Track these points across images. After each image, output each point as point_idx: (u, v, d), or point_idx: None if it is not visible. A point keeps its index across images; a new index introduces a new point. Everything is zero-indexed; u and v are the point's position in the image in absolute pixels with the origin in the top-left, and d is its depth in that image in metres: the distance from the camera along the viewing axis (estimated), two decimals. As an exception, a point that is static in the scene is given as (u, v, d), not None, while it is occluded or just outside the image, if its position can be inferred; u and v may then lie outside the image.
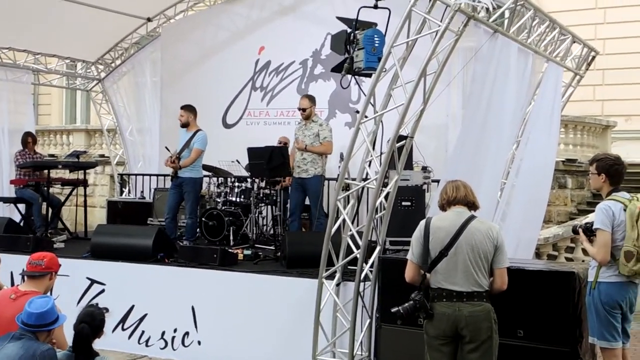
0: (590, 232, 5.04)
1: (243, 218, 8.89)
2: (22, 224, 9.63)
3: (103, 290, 7.31)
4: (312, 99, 8.47)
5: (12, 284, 6.90)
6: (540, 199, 7.93)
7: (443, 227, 4.39)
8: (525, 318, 5.00)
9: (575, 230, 5.36)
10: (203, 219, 8.77)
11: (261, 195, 8.94)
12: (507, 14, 6.58)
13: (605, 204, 4.89)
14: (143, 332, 7.07)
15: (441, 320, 4.33)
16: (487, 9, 5.93)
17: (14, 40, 10.58)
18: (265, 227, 9.52)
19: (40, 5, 9.62)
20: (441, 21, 5.34)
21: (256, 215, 8.97)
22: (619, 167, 5.03)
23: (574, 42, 8.12)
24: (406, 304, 4.39)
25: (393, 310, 4.44)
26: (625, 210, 4.80)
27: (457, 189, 4.52)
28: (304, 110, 8.38)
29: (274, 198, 8.85)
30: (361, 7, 5.70)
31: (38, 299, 3.88)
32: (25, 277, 4.61)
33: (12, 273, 7.16)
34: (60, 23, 10.29)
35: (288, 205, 9.24)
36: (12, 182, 10.08)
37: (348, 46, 5.82)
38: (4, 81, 10.99)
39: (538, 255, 9.16)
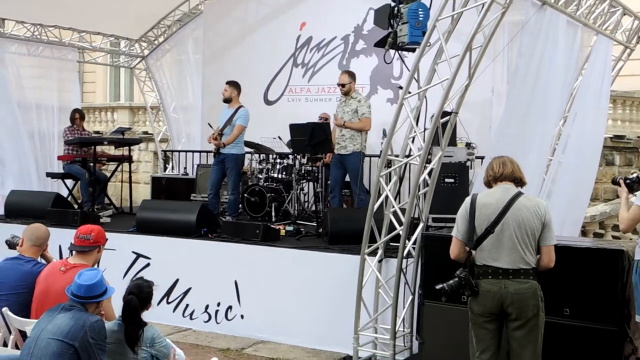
0: (630, 187, 4.92)
1: (285, 194, 8.92)
2: (69, 198, 9.83)
3: (148, 264, 7.45)
4: (351, 75, 8.39)
5: (61, 257, 7.06)
6: (587, 176, 7.76)
7: (489, 204, 4.33)
8: (572, 296, 4.92)
9: (615, 182, 5.20)
10: (245, 195, 8.84)
11: (303, 171, 8.96)
12: (555, -14, 6.40)
13: None
14: (187, 305, 7.19)
15: (486, 297, 4.29)
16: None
17: (59, 18, 10.72)
18: (306, 204, 9.55)
19: (85, -17, 9.74)
20: (488, -7, 5.23)
21: (298, 191, 8.99)
22: None
23: (625, 14, 7.86)
24: (451, 281, 4.35)
25: (437, 287, 4.39)
26: None
27: (504, 165, 4.44)
28: (342, 85, 8.31)
29: (316, 174, 8.86)
30: (405, -19, 5.61)
31: (87, 272, 3.95)
32: (74, 251, 4.70)
33: (60, 246, 7.31)
34: (104, 1, 10.38)
35: (329, 182, 9.23)
36: (59, 157, 10.28)
37: (391, 20, 5.74)
38: (51, 59, 11.18)
39: (584, 233, 9.00)
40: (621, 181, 4.99)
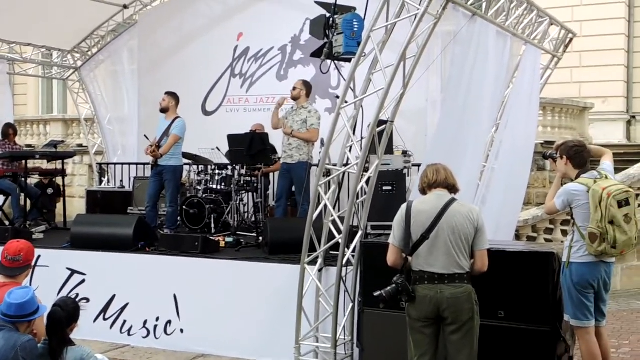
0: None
1: (224, 205, 8.85)
2: (0, 215, 9.53)
3: (84, 281, 7.25)
4: (305, 83, 8.46)
5: (-9, 276, 6.82)
6: (520, 181, 8.00)
7: (424, 211, 4.41)
8: (506, 299, 5.04)
9: (547, 156, 5.50)
10: (184, 207, 8.72)
11: (242, 182, 8.91)
12: (485, -3, 6.59)
13: (570, 186, 4.97)
14: (125, 321, 7.03)
15: (423, 303, 4.37)
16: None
17: (-13, 29, 10.43)
18: (246, 215, 9.50)
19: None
20: (420, 4, 5.34)
21: (237, 202, 8.93)
22: (579, 149, 5.09)
23: (552, 24, 8.15)
24: (388, 288, 4.42)
25: (376, 294, 4.45)
26: (588, 192, 4.83)
27: (438, 172, 4.54)
28: (294, 89, 8.39)
29: (255, 185, 8.83)
30: (340, -9, 5.68)
31: (18, 290, 3.85)
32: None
33: (-10, 265, 7.08)
34: (35, 11, 10.12)
35: (269, 192, 9.22)
36: (-12, 173, 9.95)
37: (327, 31, 5.81)
38: (-21, 71, 10.85)
39: (517, 237, 9.24)
40: (550, 158, 5.33)
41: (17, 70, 12.52)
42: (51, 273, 7.19)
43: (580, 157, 5.06)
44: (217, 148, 9.40)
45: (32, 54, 11.87)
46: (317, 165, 8.48)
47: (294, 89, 8.40)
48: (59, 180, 10.52)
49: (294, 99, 8.39)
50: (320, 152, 7.66)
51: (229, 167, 9.05)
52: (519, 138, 7.73)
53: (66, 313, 3.90)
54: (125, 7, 11.02)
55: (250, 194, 9.18)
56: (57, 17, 10.53)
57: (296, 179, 8.23)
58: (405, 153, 7.37)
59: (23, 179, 9.50)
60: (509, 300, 5.04)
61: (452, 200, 4.44)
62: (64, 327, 3.88)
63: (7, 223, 9.46)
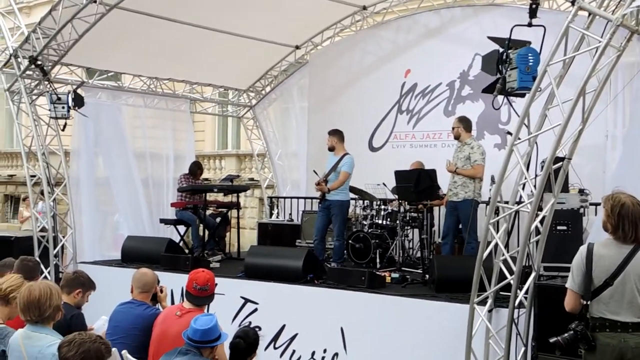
0: None
1: (389, 241, 8.88)
2: (181, 244, 10.20)
3: (256, 310, 7.56)
4: (461, 120, 8.38)
5: (172, 301, 7.30)
6: None
7: (608, 255, 4.14)
8: (701, 354, 4.59)
9: None
10: (350, 241, 8.87)
11: (407, 218, 8.90)
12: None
13: None
14: (294, 351, 7.22)
15: (605, 352, 4.08)
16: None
17: (173, 71, 11.33)
18: (411, 250, 9.46)
19: (196, 38, 10.22)
20: (601, 37, 5.10)
21: (402, 238, 8.93)
22: None
23: None
24: (566, 334, 4.18)
25: (552, 340, 4.23)
26: None
27: (636, 228, 4.16)
28: (452, 129, 8.40)
29: (421, 221, 8.78)
30: (514, 26, 5.57)
31: (203, 317, 4.08)
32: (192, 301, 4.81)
33: (172, 291, 7.53)
34: (214, 54, 10.89)
35: (434, 228, 9.13)
36: (172, 204, 10.68)
37: (500, 66, 5.70)
38: (165, 110, 11.76)
39: None
40: None
41: (197, 109, 13.44)
42: (227, 301, 7.51)
43: None
44: (384, 184, 9.49)
45: (211, 94, 12.71)
46: (485, 203, 8.34)
47: (453, 128, 8.38)
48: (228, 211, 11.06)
49: (456, 137, 8.35)
50: (490, 189, 7.49)
51: (395, 202, 9.08)
52: None
53: (247, 344, 4.10)
54: (297, 47, 11.59)
55: (415, 229, 9.14)
56: (234, 59, 11.25)
57: (462, 216, 8.09)
58: (581, 191, 6.98)
59: (202, 211, 10.10)
60: None
61: (638, 246, 4.14)
62: (245, 357, 4.07)
63: (186, 252, 10.09)
